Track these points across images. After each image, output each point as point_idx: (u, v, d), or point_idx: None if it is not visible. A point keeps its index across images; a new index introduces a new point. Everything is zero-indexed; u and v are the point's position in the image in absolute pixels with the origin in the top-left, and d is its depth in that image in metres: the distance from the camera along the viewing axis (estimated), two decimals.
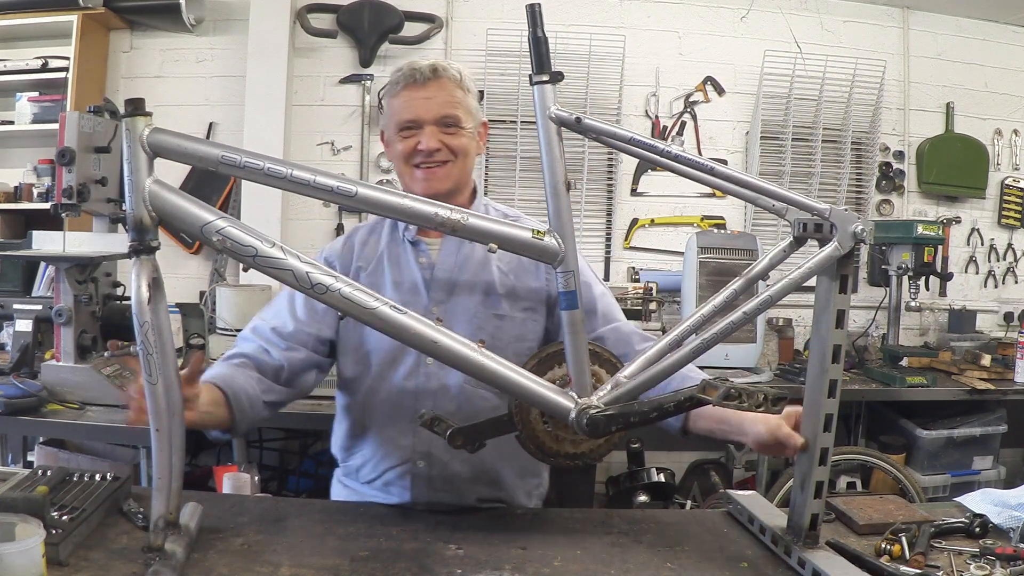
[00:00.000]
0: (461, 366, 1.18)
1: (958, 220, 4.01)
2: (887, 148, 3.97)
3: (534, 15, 1.18)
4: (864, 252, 3.86)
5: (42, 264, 3.15)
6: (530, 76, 1.20)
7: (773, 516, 1.41)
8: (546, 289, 1.58)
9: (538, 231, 1.19)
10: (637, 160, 3.55)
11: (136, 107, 1.09)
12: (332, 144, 3.73)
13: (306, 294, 1.12)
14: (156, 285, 1.12)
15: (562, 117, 1.19)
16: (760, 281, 1.35)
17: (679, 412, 1.23)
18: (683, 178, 1.36)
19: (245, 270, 3.49)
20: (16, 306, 2.68)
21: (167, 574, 1.15)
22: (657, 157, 1.25)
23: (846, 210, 1.21)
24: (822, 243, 1.24)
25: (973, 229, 4.03)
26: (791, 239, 1.28)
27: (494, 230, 1.19)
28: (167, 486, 1.15)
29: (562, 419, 1.22)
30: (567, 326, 1.22)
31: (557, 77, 1.20)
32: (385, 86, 1.54)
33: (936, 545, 1.38)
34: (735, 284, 1.28)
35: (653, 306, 3.38)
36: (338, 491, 1.68)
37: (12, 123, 3.51)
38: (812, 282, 1.28)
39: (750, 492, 1.57)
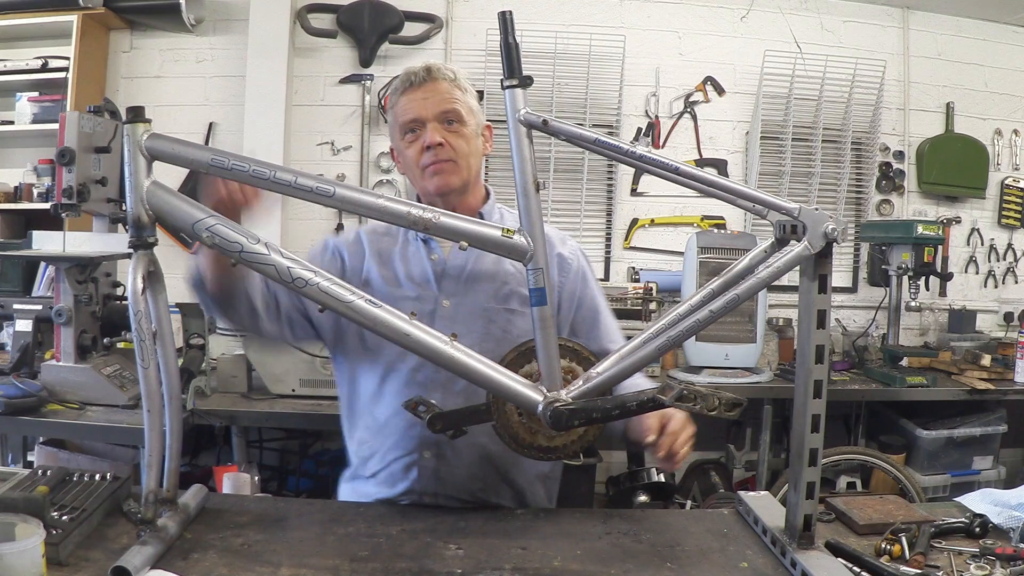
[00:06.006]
0: (433, 358, 1.21)
1: (958, 220, 4.01)
2: (887, 148, 3.97)
3: (505, 22, 1.22)
4: (864, 252, 3.88)
5: (42, 264, 3.14)
6: (501, 80, 1.24)
7: (776, 517, 1.40)
8: (557, 290, 1.60)
9: (507, 229, 1.23)
10: None
11: (136, 114, 1.18)
12: (332, 144, 3.72)
13: (287, 288, 1.19)
14: (154, 278, 1.24)
15: (530, 119, 1.22)
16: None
17: (641, 411, 1.23)
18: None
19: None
20: (16, 306, 2.68)
21: (154, 543, 1.21)
22: (622, 157, 1.27)
23: (816, 209, 1.21)
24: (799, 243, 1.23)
25: (973, 229, 4.03)
26: (773, 240, 1.27)
27: (465, 228, 1.23)
28: (157, 463, 1.24)
29: (531, 411, 1.24)
30: (537, 322, 1.24)
31: (527, 81, 1.24)
32: (387, 98, 1.55)
33: (936, 545, 1.38)
34: (712, 284, 1.29)
35: (653, 306, 3.37)
36: (345, 493, 1.68)
37: (12, 123, 3.51)
38: None
39: (762, 493, 1.56)
